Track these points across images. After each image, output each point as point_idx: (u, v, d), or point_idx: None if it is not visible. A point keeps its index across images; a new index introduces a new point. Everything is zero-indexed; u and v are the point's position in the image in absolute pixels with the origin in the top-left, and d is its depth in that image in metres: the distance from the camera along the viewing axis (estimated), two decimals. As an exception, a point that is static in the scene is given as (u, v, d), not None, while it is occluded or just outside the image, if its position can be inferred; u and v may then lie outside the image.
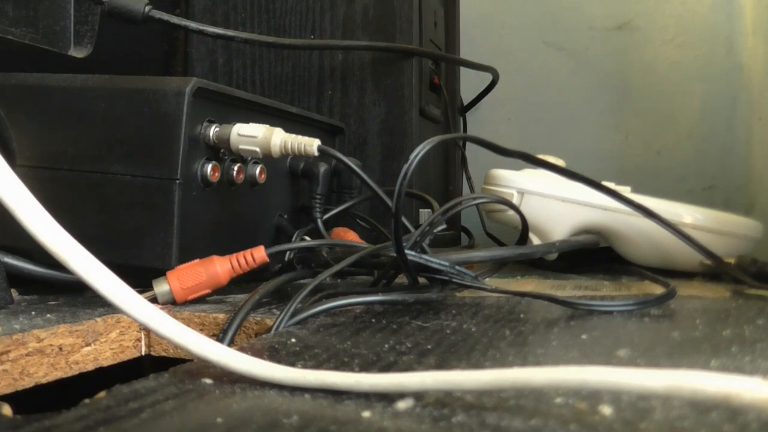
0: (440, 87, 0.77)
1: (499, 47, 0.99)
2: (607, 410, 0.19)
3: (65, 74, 0.47)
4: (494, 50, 0.98)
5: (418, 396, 0.20)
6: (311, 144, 0.47)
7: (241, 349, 0.27)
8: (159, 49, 0.76)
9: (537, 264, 0.64)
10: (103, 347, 0.37)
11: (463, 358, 0.26)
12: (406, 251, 0.39)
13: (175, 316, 0.28)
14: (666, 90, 0.93)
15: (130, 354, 0.39)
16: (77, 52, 0.61)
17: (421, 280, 0.42)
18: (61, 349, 0.34)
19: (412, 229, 0.56)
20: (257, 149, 0.46)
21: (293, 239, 0.54)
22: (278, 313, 0.36)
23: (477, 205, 0.66)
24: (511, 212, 0.54)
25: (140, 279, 0.40)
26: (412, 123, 0.67)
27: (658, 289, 0.44)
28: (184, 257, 0.43)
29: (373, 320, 0.35)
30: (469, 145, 0.85)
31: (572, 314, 0.37)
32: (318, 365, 0.25)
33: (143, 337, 0.39)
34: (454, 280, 0.40)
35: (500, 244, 0.76)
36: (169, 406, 0.20)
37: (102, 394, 0.21)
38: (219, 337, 0.36)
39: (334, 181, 0.61)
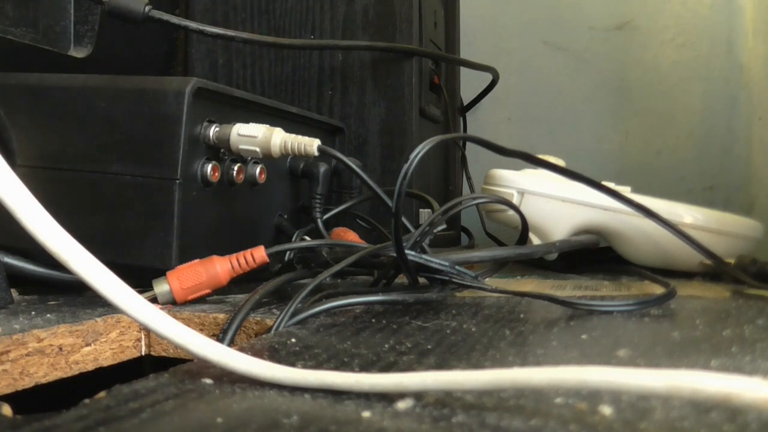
0: (440, 87, 0.77)
1: (499, 47, 0.99)
2: (607, 410, 0.19)
3: (65, 74, 0.47)
4: (494, 50, 0.98)
5: (418, 396, 0.20)
6: (311, 144, 0.47)
7: (241, 349, 0.27)
8: (159, 49, 0.76)
9: (537, 264, 0.64)
10: (103, 347, 0.37)
11: (463, 358, 0.26)
12: (406, 251, 0.39)
13: (175, 316, 0.28)
14: (666, 90, 0.93)
15: (130, 354, 0.39)
16: (77, 52, 0.61)
17: (421, 280, 0.42)
18: (61, 349, 0.34)
19: (412, 229, 0.56)
20: (257, 149, 0.46)
21: (293, 239, 0.54)
22: (278, 313, 0.36)
23: (477, 205, 0.66)
24: (511, 212, 0.54)
25: (140, 279, 0.40)
26: (412, 123, 0.67)
27: (658, 289, 0.44)
28: (184, 257, 0.43)
29: (373, 320, 0.35)
30: (469, 145, 0.85)
31: (572, 314, 0.37)
32: (318, 365, 0.25)
33: (143, 337, 0.39)
34: (454, 280, 0.40)
35: (500, 244, 0.76)
36: (169, 406, 0.20)
37: (102, 394, 0.21)
38: (219, 337, 0.36)
39: (334, 181, 0.61)
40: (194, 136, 0.44)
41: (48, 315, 0.38)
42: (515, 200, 0.58)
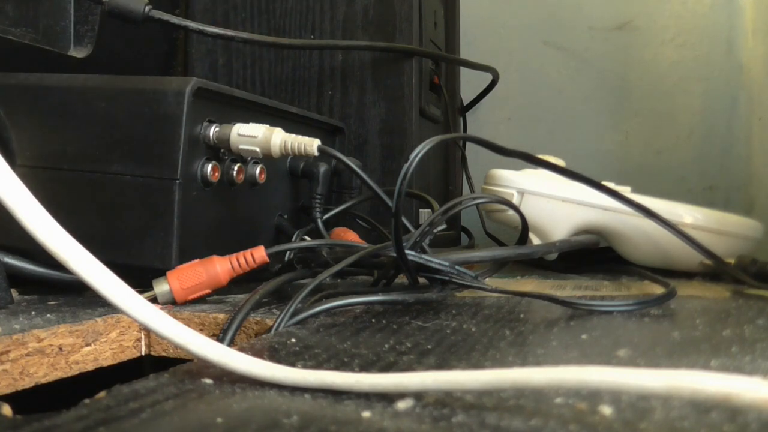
0: (440, 87, 0.77)
1: (499, 47, 0.99)
2: (607, 410, 0.19)
3: (65, 74, 0.47)
4: (494, 50, 0.98)
5: (418, 396, 0.20)
6: (311, 144, 0.47)
7: (241, 349, 0.27)
8: (159, 49, 0.76)
9: (537, 264, 0.64)
10: (103, 347, 0.37)
11: (463, 358, 0.26)
12: (406, 251, 0.39)
13: (175, 316, 0.28)
14: (666, 90, 0.93)
15: (130, 354, 0.39)
16: (77, 52, 0.61)
17: (421, 280, 0.42)
18: (61, 349, 0.34)
19: (412, 229, 0.56)
20: (257, 149, 0.46)
21: (293, 239, 0.54)
22: (278, 313, 0.36)
23: (477, 205, 0.66)
24: (511, 212, 0.54)
25: (140, 279, 0.40)
26: (412, 123, 0.67)
27: (658, 289, 0.44)
28: (184, 257, 0.43)
29: (373, 320, 0.35)
30: (469, 145, 0.85)
31: (572, 314, 0.37)
32: (318, 365, 0.25)
33: (143, 337, 0.39)
34: (454, 280, 0.40)
35: (500, 244, 0.76)
36: (169, 406, 0.20)
37: (102, 394, 0.21)
38: (219, 337, 0.36)
39: (334, 181, 0.61)
40: (194, 136, 0.44)
41: (48, 315, 0.38)
42: (515, 200, 0.58)
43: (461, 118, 0.89)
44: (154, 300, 0.42)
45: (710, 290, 0.48)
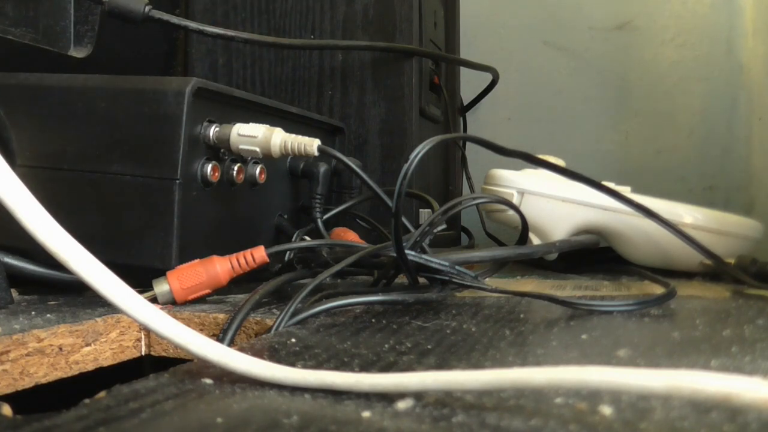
0: (440, 87, 0.77)
1: (499, 47, 0.99)
2: (607, 410, 0.19)
3: (65, 74, 0.47)
4: (494, 50, 0.98)
5: (418, 396, 0.20)
6: (311, 144, 0.47)
7: (241, 349, 0.27)
8: (159, 49, 0.76)
9: (537, 264, 0.64)
10: (103, 347, 0.37)
11: (463, 358, 0.26)
12: (406, 251, 0.39)
13: (175, 316, 0.28)
14: (666, 90, 0.93)
15: (130, 354, 0.39)
16: (77, 52, 0.61)
17: (421, 280, 0.42)
18: (61, 349, 0.34)
19: (412, 229, 0.56)
20: (257, 149, 0.46)
21: (293, 239, 0.54)
22: (278, 313, 0.36)
23: (477, 205, 0.66)
24: (511, 212, 0.54)
25: (140, 279, 0.40)
26: (412, 123, 0.67)
27: (658, 289, 0.44)
28: (184, 257, 0.43)
29: (373, 320, 0.35)
30: (469, 145, 0.85)
31: (572, 314, 0.37)
32: (318, 365, 0.25)
33: (143, 337, 0.39)
34: (454, 280, 0.40)
35: (500, 244, 0.76)
36: (169, 406, 0.20)
37: (102, 394, 0.21)
38: (219, 337, 0.36)
39: (334, 181, 0.61)
40: (194, 136, 0.44)
41: (48, 315, 0.38)
42: (515, 200, 0.58)
43: (461, 118, 0.89)
44: (154, 300, 0.42)
45: (710, 290, 0.48)
